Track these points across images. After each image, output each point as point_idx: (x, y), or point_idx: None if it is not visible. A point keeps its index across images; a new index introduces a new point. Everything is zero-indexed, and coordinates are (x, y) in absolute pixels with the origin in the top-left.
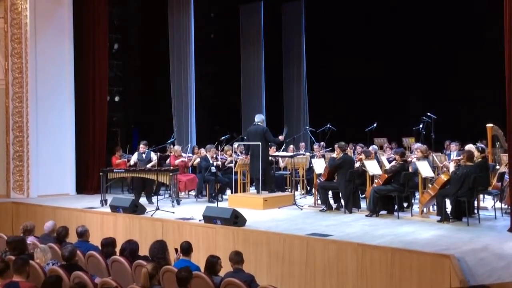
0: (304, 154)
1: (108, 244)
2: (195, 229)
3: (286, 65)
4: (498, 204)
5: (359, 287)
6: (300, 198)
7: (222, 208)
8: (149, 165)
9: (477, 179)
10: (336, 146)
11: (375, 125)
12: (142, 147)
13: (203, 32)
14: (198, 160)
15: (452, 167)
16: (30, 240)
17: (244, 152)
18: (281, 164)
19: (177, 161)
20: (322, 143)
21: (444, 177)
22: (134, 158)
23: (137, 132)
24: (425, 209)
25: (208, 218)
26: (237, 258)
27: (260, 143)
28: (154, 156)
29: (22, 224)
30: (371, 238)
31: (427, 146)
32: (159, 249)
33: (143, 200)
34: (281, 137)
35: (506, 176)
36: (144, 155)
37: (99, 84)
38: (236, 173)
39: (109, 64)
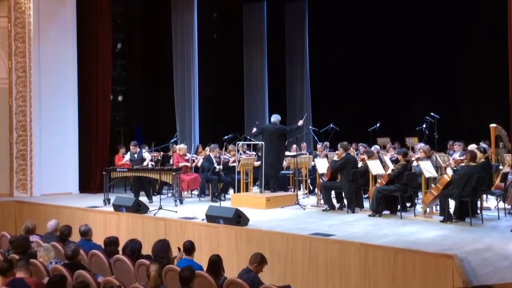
0: (305, 154)
1: (111, 243)
2: (197, 228)
3: (289, 64)
4: (501, 204)
5: (362, 287)
6: (303, 197)
7: (225, 208)
8: (144, 163)
9: (480, 179)
10: (339, 145)
11: (378, 125)
12: (132, 147)
13: (206, 32)
14: (202, 160)
15: (450, 171)
16: (33, 238)
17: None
18: (284, 163)
19: (181, 164)
20: (326, 142)
21: (447, 177)
22: (126, 158)
23: (140, 131)
24: (428, 209)
25: (211, 218)
26: (251, 259)
27: (276, 143)
28: (147, 155)
29: (24, 225)
30: (374, 238)
31: (430, 146)
32: (162, 248)
33: (144, 199)
34: (300, 122)
35: (510, 176)
36: (136, 155)
37: (102, 84)
38: (239, 172)
39: (112, 63)
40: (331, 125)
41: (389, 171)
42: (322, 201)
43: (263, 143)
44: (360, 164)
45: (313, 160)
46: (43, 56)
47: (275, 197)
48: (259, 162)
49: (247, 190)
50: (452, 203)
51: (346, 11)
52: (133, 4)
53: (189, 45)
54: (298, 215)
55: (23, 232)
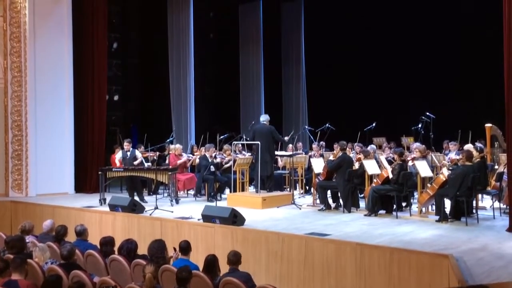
0: (301, 154)
1: (107, 243)
2: (194, 228)
3: (285, 64)
4: (496, 204)
5: (358, 287)
6: (299, 197)
7: (221, 207)
8: (135, 163)
9: (476, 179)
10: (335, 145)
11: (374, 124)
12: (126, 145)
13: (202, 31)
14: (197, 160)
15: (446, 170)
16: (28, 239)
17: (241, 150)
18: (280, 163)
19: (179, 161)
20: (322, 142)
21: (443, 177)
22: (118, 156)
23: (136, 130)
24: (423, 209)
25: (207, 217)
26: (234, 259)
27: (267, 142)
28: (138, 154)
29: (20, 224)
30: (370, 237)
31: (426, 145)
32: (158, 248)
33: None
34: (286, 138)
35: (505, 176)
36: (128, 153)
37: (98, 83)
38: (235, 172)
39: (108, 63)
40: (327, 124)
41: (387, 174)
42: (318, 201)
43: (259, 142)
44: (356, 165)
45: (309, 160)
46: (38, 55)
47: (271, 197)
48: None
49: (243, 190)
50: (447, 203)
51: (342, 11)
52: (129, 4)
53: (185, 45)
54: (294, 215)
55: (19, 232)
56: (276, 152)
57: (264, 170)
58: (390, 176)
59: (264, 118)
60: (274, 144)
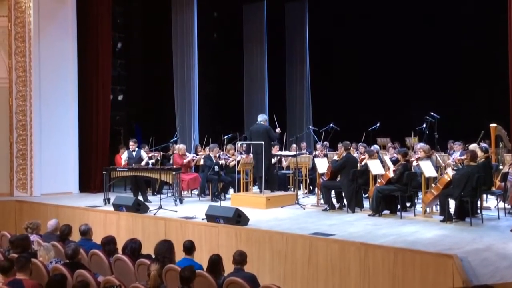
0: (305, 154)
1: (109, 242)
2: (198, 228)
3: (289, 64)
4: (501, 204)
5: (362, 287)
6: (303, 197)
7: (225, 207)
8: (143, 163)
9: (480, 179)
10: (339, 145)
11: (378, 124)
12: (132, 144)
13: (206, 31)
14: (201, 160)
15: (450, 171)
16: (33, 238)
17: (245, 151)
18: (284, 163)
19: (185, 160)
20: (326, 142)
21: (447, 177)
22: (124, 157)
23: (140, 129)
24: (428, 209)
25: (211, 217)
26: (239, 258)
27: (263, 142)
28: (144, 155)
29: (26, 223)
30: (374, 237)
31: (430, 146)
32: (167, 248)
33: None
34: (278, 130)
35: (510, 176)
36: (134, 153)
37: (102, 83)
38: (239, 172)
39: (112, 63)
40: (331, 124)
41: (392, 174)
42: (322, 201)
43: (263, 142)
44: (362, 163)
45: (313, 160)
46: (43, 55)
47: (275, 197)
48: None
49: (247, 190)
50: (452, 203)
51: (346, 11)
52: (133, 4)
53: (189, 45)
54: (298, 215)
55: (24, 230)
56: (280, 152)
57: (259, 170)
58: (392, 175)
59: (261, 118)
60: (270, 144)
